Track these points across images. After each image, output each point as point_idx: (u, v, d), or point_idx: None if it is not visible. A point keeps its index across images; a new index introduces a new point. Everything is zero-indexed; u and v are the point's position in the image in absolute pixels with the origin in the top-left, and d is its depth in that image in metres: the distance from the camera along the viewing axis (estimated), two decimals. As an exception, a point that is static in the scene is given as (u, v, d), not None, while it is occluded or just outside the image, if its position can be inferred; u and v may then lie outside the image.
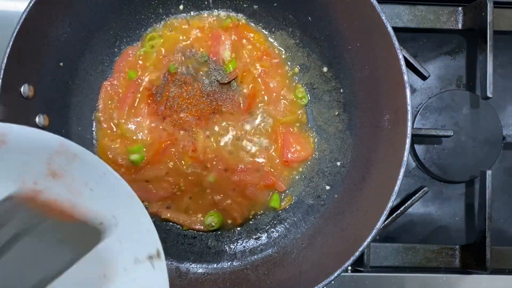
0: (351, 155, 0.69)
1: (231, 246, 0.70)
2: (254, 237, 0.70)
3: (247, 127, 0.71)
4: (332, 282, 0.57)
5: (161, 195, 0.69)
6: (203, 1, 0.71)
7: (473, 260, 0.72)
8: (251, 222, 0.71)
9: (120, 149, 0.69)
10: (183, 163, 0.69)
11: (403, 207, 0.70)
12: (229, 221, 0.70)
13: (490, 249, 0.69)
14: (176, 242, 0.70)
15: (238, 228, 0.71)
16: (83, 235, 0.41)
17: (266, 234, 0.70)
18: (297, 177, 0.72)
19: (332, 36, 0.67)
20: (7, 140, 0.37)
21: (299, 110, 0.72)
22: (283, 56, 0.73)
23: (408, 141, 0.56)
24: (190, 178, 0.69)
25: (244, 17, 0.72)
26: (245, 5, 0.71)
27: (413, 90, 0.78)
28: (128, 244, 0.41)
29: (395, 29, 0.59)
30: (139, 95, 0.70)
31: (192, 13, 0.72)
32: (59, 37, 0.63)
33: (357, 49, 0.64)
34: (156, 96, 0.70)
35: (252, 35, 0.72)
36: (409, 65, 0.70)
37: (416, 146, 0.77)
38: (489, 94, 0.70)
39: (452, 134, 0.71)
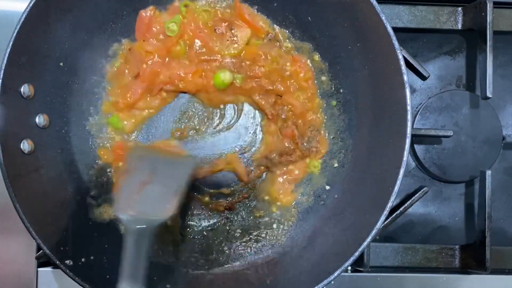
0: (351, 155, 0.69)
1: (231, 246, 0.70)
2: (254, 237, 0.70)
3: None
4: (332, 282, 0.57)
5: None
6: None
7: (473, 260, 0.72)
8: (250, 223, 0.71)
9: None
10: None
11: (403, 207, 0.70)
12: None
13: (490, 249, 0.69)
14: (176, 243, 0.70)
15: (238, 229, 0.71)
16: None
17: (266, 234, 0.70)
18: (297, 177, 0.72)
19: (332, 36, 0.67)
20: None
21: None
22: (283, 56, 0.73)
23: (408, 141, 0.56)
24: None
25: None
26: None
27: (413, 90, 0.78)
28: None
29: (395, 29, 0.59)
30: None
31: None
32: (59, 37, 0.63)
33: (357, 49, 0.64)
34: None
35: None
36: (409, 65, 0.70)
37: (416, 146, 0.77)
38: (489, 94, 0.70)
39: (452, 134, 0.71)
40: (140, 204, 0.55)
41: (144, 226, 0.52)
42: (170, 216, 0.56)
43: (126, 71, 0.69)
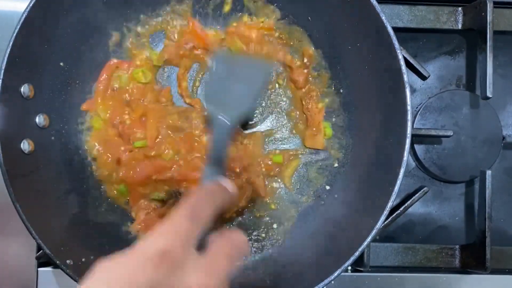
0: (351, 155, 0.69)
1: (231, 246, 0.70)
2: (254, 237, 0.70)
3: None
4: (332, 282, 0.57)
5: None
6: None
7: (473, 260, 0.72)
8: (250, 222, 0.71)
9: None
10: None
11: (403, 207, 0.70)
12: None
13: (490, 249, 0.69)
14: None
15: (238, 229, 0.71)
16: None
17: (265, 234, 0.70)
18: (297, 177, 0.72)
19: (332, 36, 0.67)
20: None
21: (299, 110, 0.72)
22: (283, 56, 0.73)
23: (408, 141, 0.56)
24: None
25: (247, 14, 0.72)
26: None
27: (413, 90, 0.78)
28: None
29: (395, 29, 0.59)
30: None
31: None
32: (59, 37, 0.63)
33: (357, 49, 0.64)
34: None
35: (252, 35, 0.72)
36: (409, 65, 0.70)
37: (416, 146, 0.77)
38: (489, 94, 0.70)
39: (452, 134, 0.71)
40: (223, 97, 0.59)
41: (227, 117, 0.56)
42: (250, 112, 0.63)
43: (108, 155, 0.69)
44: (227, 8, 0.70)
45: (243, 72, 0.62)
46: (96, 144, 0.68)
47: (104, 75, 0.69)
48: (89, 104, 0.69)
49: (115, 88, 0.69)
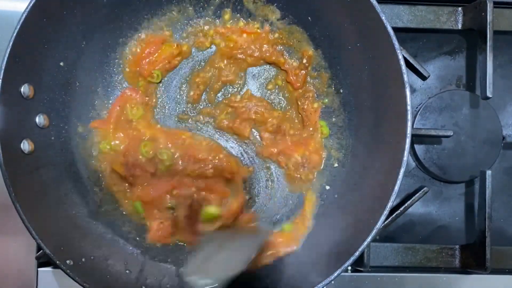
0: (351, 155, 0.69)
1: (231, 246, 0.70)
2: (254, 237, 0.70)
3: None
4: (332, 282, 0.57)
5: None
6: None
7: (473, 260, 0.72)
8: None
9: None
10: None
11: (403, 207, 0.70)
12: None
13: (490, 249, 0.69)
14: (177, 245, 0.70)
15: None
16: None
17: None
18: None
19: (332, 36, 0.67)
20: None
21: (299, 110, 0.72)
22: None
23: (408, 141, 0.56)
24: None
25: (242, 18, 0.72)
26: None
27: (413, 90, 0.78)
28: None
29: (395, 29, 0.59)
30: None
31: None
32: (59, 37, 0.63)
33: (357, 49, 0.64)
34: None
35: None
36: (409, 65, 0.70)
37: (416, 146, 0.77)
38: (489, 94, 0.70)
39: (452, 134, 0.71)
40: (209, 270, 0.57)
41: (214, 282, 0.54)
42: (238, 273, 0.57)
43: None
44: (227, 16, 0.71)
45: (233, 242, 0.61)
46: (104, 165, 0.69)
47: (117, 107, 0.69)
48: (100, 124, 0.69)
49: (129, 121, 0.70)
